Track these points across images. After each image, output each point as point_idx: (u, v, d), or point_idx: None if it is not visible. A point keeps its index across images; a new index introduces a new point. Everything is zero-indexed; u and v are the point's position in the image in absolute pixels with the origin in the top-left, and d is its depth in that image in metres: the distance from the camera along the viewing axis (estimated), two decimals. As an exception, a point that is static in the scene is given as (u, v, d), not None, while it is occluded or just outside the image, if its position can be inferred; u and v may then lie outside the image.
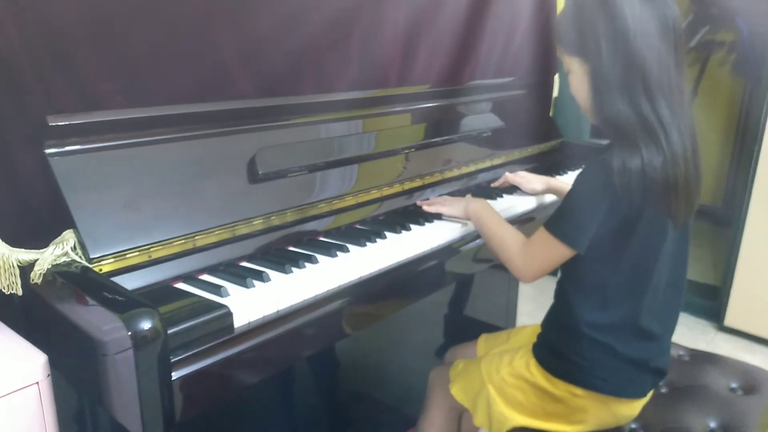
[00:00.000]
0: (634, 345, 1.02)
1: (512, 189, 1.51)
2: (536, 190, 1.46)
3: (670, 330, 1.08)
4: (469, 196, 1.32)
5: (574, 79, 1.02)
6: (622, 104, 0.93)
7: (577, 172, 1.04)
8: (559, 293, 1.10)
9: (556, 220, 1.01)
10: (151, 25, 0.96)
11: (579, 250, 0.98)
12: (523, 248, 1.06)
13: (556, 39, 1.05)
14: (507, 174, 1.51)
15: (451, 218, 1.26)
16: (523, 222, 1.39)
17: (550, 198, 1.49)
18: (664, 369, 1.08)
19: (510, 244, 1.09)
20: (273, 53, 1.13)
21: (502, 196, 1.45)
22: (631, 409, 1.07)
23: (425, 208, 1.29)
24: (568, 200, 1.00)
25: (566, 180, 1.53)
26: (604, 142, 1.05)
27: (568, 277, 1.06)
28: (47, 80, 0.86)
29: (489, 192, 1.48)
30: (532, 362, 1.09)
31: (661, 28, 0.92)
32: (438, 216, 1.27)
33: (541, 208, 1.46)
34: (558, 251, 1.00)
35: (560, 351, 1.06)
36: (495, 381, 1.12)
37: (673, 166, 0.92)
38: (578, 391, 1.04)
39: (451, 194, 1.44)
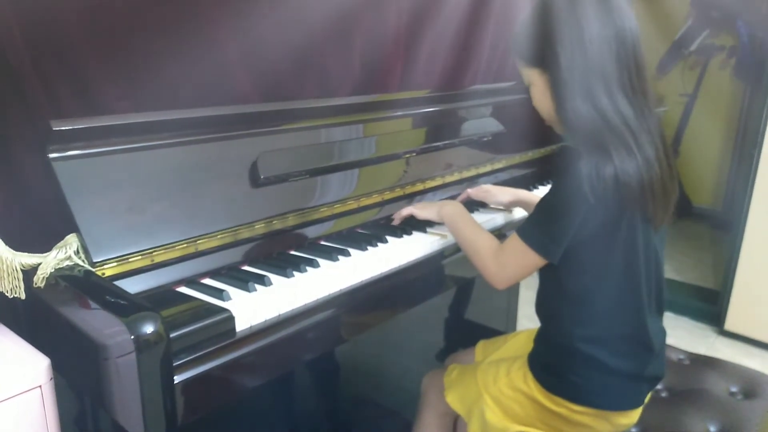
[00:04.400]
0: (629, 356, 1.01)
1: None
2: (502, 203, 1.38)
3: (661, 334, 1.07)
4: (447, 199, 1.29)
5: (536, 91, 1.02)
6: (585, 108, 0.92)
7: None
8: (547, 309, 1.09)
9: (529, 228, 1.00)
10: (154, 30, 0.97)
11: (552, 260, 0.97)
12: (496, 254, 1.04)
13: (513, 53, 1.05)
14: (468, 190, 1.41)
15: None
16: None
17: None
18: (659, 375, 1.08)
19: (484, 249, 1.06)
20: (275, 58, 1.14)
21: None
22: (630, 417, 1.06)
23: (396, 216, 1.26)
24: (541, 209, 0.99)
25: (538, 194, 1.44)
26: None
27: (554, 292, 1.05)
28: (51, 85, 0.87)
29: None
30: (530, 376, 1.07)
31: (618, 33, 0.92)
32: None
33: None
34: (530, 259, 0.99)
35: (554, 368, 1.05)
36: (492, 391, 1.11)
37: (647, 169, 0.92)
38: (576, 407, 1.03)
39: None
